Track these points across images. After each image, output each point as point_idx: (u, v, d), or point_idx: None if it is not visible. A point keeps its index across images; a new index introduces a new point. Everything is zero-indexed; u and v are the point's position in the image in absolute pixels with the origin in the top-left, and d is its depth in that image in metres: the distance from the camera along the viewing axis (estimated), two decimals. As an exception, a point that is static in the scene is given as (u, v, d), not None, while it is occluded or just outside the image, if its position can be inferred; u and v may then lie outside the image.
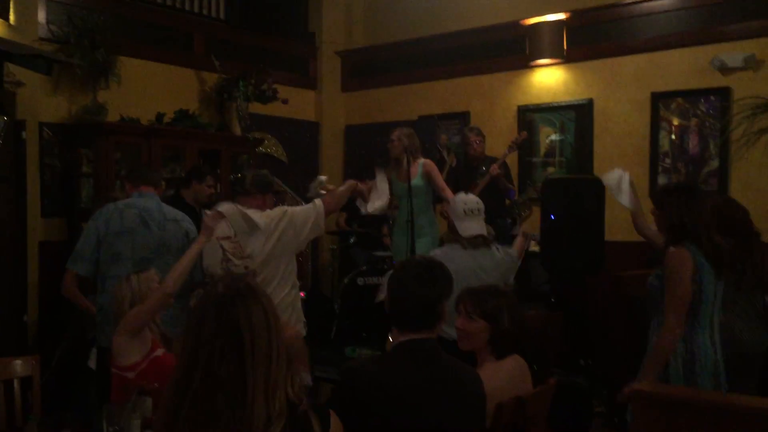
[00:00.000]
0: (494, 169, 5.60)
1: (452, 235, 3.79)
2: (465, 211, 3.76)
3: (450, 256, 3.63)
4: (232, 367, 1.57)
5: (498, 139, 6.37)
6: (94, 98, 5.42)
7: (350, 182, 3.97)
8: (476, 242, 3.70)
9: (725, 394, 2.90)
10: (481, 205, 3.83)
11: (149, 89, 5.99)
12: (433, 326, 2.18)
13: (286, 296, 3.57)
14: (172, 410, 1.58)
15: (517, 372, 2.61)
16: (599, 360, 5.45)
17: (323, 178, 4.27)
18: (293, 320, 3.58)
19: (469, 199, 3.83)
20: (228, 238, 3.47)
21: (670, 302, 2.86)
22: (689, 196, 3.01)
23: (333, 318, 6.30)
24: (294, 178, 7.27)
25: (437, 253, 3.79)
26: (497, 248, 3.81)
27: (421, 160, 5.07)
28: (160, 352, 2.89)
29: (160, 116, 5.79)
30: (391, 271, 2.39)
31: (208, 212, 3.46)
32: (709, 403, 2.06)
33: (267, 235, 3.48)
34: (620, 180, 3.71)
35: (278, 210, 3.58)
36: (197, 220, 4.92)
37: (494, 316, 2.59)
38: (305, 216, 3.58)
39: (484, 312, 2.59)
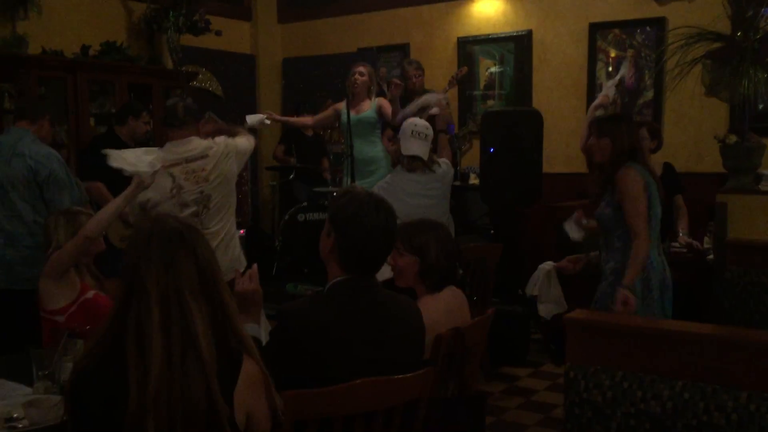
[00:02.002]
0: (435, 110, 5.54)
1: (397, 159, 3.97)
2: (412, 132, 3.93)
3: (397, 180, 3.89)
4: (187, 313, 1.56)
5: (438, 71, 6.32)
6: (13, 29, 5.13)
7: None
8: (415, 164, 3.91)
9: (670, 310, 3.11)
10: (430, 132, 3.99)
11: (73, 20, 5.69)
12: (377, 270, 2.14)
13: (232, 226, 3.64)
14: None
15: (455, 303, 2.63)
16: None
17: (267, 120, 4.60)
18: (236, 253, 3.62)
19: (419, 122, 3.99)
20: (178, 164, 3.42)
21: (637, 218, 3.01)
22: (630, 123, 3.23)
23: (273, 255, 6.26)
24: (230, 114, 7.09)
25: (386, 180, 3.96)
26: (437, 164, 4.03)
27: (377, 98, 5.07)
28: (90, 294, 2.84)
29: (85, 48, 5.52)
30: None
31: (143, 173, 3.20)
32: (640, 328, 2.12)
33: (212, 156, 3.50)
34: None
35: (219, 138, 3.61)
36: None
37: (422, 250, 2.58)
38: (248, 145, 3.71)
39: (412, 246, 2.58)
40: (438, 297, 2.58)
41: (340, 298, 2.07)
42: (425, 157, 3.93)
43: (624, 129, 3.15)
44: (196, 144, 3.51)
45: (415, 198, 3.90)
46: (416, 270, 2.58)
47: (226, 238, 3.56)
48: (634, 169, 3.07)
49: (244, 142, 3.72)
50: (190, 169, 3.44)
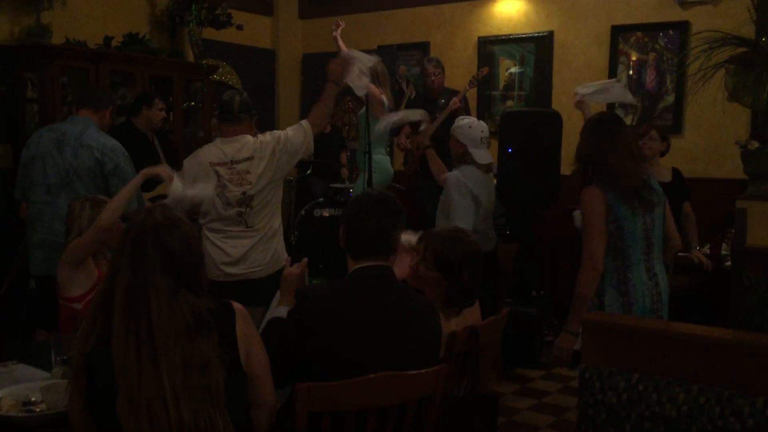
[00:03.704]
0: (455, 102, 5.54)
1: (465, 159, 3.86)
2: (482, 139, 3.88)
3: (476, 176, 3.83)
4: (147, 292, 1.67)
5: (458, 70, 6.31)
6: (38, 19, 5.17)
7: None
8: (486, 169, 3.92)
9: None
10: (489, 134, 3.99)
11: (96, 11, 5.73)
12: (388, 256, 2.16)
13: (274, 223, 3.57)
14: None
15: (469, 318, 2.59)
16: (550, 291, 5.58)
17: None
18: (279, 248, 3.57)
19: (485, 128, 3.95)
20: (225, 164, 3.36)
21: (587, 244, 2.79)
22: (595, 130, 2.93)
23: (289, 249, 6.27)
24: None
25: (455, 174, 3.85)
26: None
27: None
28: (107, 282, 2.85)
29: (108, 40, 5.56)
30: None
31: (171, 174, 3.17)
32: (657, 331, 2.11)
33: (259, 159, 3.38)
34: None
35: (268, 135, 3.47)
36: (149, 148, 4.83)
37: (453, 272, 2.45)
38: (299, 139, 3.48)
39: (441, 263, 2.45)
40: (456, 320, 2.51)
41: (358, 285, 2.11)
42: (492, 161, 3.97)
43: (585, 136, 2.92)
44: (246, 143, 3.38)
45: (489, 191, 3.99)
46: (440, 290, 2.46)
47: (267, 234, 3.48)
48: (597, 189, 2.80)
49: (294, 134, 3.50)
50: (236, 170, 3.36)
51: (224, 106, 3.42)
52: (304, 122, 3.54)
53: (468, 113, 5.81)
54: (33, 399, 2.01)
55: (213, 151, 3.39)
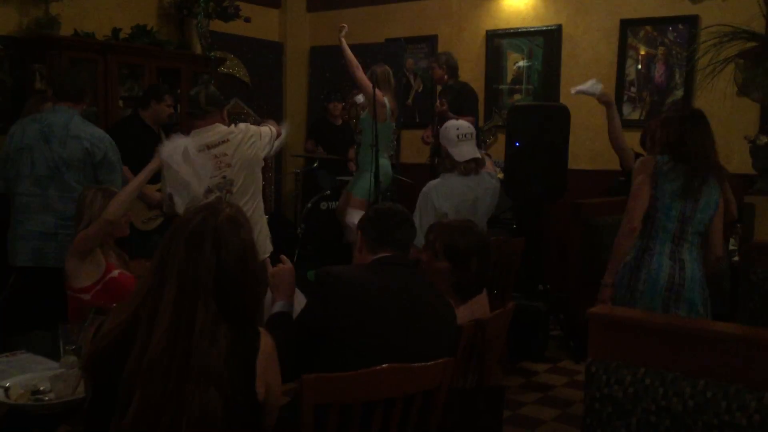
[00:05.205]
0: (437, 106, 5.53)
1: (448, 164, 3.80)
2: (458, 137, 3.81)
3: (449, 187, 3.73)
4: (196, 305, 1.58)
5: (466, 64, 6.28)
6: (47, 10, 5.18)
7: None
8: (470, 167, 3.78)
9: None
10: (473, 130, 3.91)
11: (105, 3, 5.73)
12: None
13: (258, 206, 3.67)
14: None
15: (478, 309, 2.61)
16: (556, 285, 5.57)
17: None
18: (261, 238, 3.62)
19: (461, 125, 3.88)
20: (201, 151, 3.48)
21: (629, 205, 3.04)
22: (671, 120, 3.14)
23: (296, 242, 6.30)
24: (257, 101, 7.13)
25: (435, 184, 3.80)
26: (488, 174, 3.90)
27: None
28: (116, 272, 2.88)
29: (116, 31, 5.57)
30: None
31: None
32: (665, 325, 2.11)
33: (233, 141, 3.53)
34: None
35: (242, 125, 3.67)
36: (155, 141, 4.83)
37: (461, 261, 2.48)
38: (268, 133, 3.72)
39: (451, 253, 2.49)
40: (463, 308, 2.54)
41: (383, 269, 2.17)
42: (477, 155, 3.84)
43: (676, 126, 3.09)
44: (219, 130, 3.56)
45: (468, 198, 3.81)
46: (449, 280, 2.50)
47: (254, 218, 3.58)
48: (650, 157, 3.07)
49: (269, 128, 3.76)
50: (212, 154, 3.47)
51: (192, 103, 3.59)
52: (285, 129, 3.85)
53: (472, 107, 5.72)
54: (42, 388, 2.03)
55: (187, 141, 3.47)
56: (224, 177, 3.48)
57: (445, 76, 5.69)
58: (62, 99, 3.70)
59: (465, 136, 3.80)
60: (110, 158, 3.68)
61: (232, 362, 1.59)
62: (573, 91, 4.05)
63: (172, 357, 1.53)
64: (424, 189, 3.79)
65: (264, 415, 1.72)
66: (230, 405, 1.57)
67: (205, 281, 1.59)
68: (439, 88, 5.83)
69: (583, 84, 4.02)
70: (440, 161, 4.01)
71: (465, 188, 3.76)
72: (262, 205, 3.73)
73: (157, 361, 1.53)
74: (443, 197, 3.70)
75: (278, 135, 3.81)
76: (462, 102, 5.60)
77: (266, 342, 1.70)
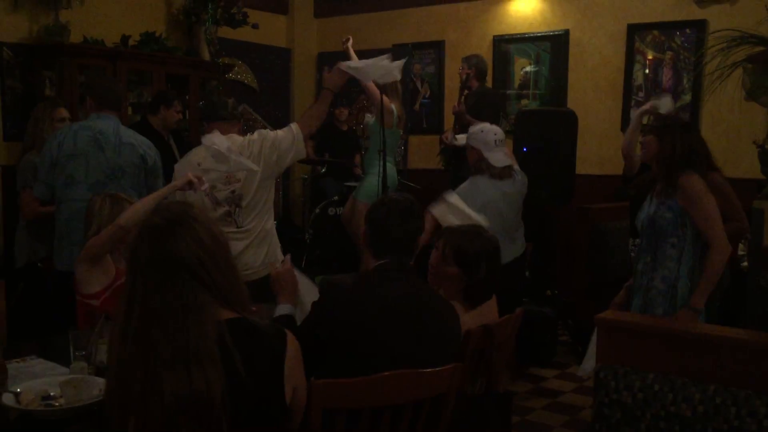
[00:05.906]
0: (454, 108, 5.52)
1: (483, 166, 3.81)
2: (496, 142, 3.83)
3: (478, 188, 3.75)
4: (168, 298, 1.58)
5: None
6: (56, 17, 5.22)
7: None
8: (505, 173, 3.83)
9: None
10: (504, 136, 3.92)
11: (113, 10, 5.77)
12: (411, 256, 2.23)
13: (266, 223, 3.57)
14: (119, 344, 1.60)
15: (488, 314, 2.61)
16: (564, 290, 5.56)
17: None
18: (271, 249, 3.57)
19: (498, 130, 3.90)
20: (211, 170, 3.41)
21: (711, 223, 2.89)
22: (684, 130, 3.15)
23: (303, 247, 6.31)
24: (265, 107, 7.16)
25: (465, 187, 3.80)
26: (516, 171, 3.94)
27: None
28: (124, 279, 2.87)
29: (125, 38, 5.61)
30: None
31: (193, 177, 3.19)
32: (673, 331, 2.11)
33: (247, 156, 3.40)
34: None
35: (257, 134, 3.53)
36: (165, 147, 4.86)
37: (470, 267, 2.47)
38: (288, 141, 3.49)
39: (460, 258, 2.48)
40: (473, 313, 2.54)
41: (383, 277, 2.15)
42: (510, 162, 3.87)
43: (678, 134, 3.09)
44: (233, 142, 3.43)
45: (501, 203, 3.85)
46: (459, 286, 2.50)
47: (260, 235, 3.51)
48: (696, 174, 3.00)
49: (283, 136, 3.54)
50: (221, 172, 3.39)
51: (219, 106, 3.54)
52: (293, 125, 3.56)
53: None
54: (52, 393, 2.03)
55: (201, 152, 3.43)
56: (233, 191, 3.40)
57: (473, 79, 5.66)
58: (106, 107, 3.73)
59: (501, 142, 3.85)
60: (158, 164, 3.78)
61: (259, 365, 1.60)
62: (641, 111, 4.05)
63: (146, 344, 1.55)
64: (469, 179, 3.83)
65: (291, 416, 1.74)
66: (236, 389, 1.56)
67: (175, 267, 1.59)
68: (465, 92, 5.77)
69: (657, 98, 4.05)
70: (458, 164, 3.99)
71: (494, 189, 3.81)
72: (272, 220, 3.64)
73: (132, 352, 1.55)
74: (475, 198, 3.70)
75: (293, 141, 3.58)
76: (482, 107, 5.59)
77: (293, 344, 1.71)
